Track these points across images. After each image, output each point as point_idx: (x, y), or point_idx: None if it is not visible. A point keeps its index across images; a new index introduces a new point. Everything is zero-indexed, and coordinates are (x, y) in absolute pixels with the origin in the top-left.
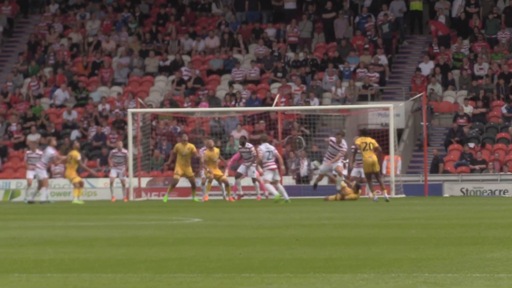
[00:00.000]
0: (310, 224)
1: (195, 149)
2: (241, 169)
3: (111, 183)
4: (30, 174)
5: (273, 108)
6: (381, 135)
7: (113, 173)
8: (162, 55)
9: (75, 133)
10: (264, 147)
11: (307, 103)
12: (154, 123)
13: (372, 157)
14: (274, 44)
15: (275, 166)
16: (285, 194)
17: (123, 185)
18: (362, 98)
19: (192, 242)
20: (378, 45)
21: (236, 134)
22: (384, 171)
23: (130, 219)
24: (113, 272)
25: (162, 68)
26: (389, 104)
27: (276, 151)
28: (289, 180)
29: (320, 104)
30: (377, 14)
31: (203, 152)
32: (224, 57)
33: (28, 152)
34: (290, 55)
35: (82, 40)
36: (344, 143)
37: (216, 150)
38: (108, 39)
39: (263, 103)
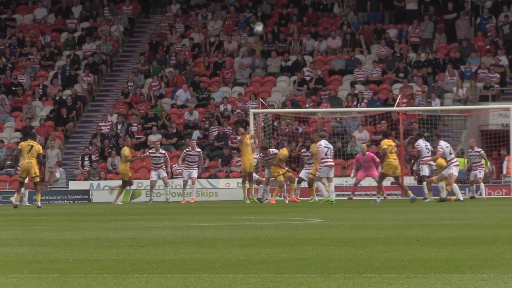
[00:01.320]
0: (431, 224)
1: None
2: (302, 174)
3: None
4: (153, 175)
5: (394, 108)
6: (502, 136)
7: (185, 175)
8: (284, 56)
9: (196, 133)
10: (323, 143)
11: (429, 104)
12: (276, 123)
13: (396, 159)
14: (396, 45)
15: (332, 163)
16: (333, 195)
17: (193, 183)
18: (483, 99)
19: (313, 243)
20: (499, 46)
21: (358, 135)
22: (504, 171)
23: (251, 219)
24: (234, 272)
25: (284, 68)
26: (510, 105)
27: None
28: (410, 181)
29: (441, 104)
30: (498, 15)
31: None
32: (346, 57)
33: (151, 151)
34: (412, 55)
35: (203, 40)
36: (441, 143)
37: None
38: (230, 39)
39: (385, 103)
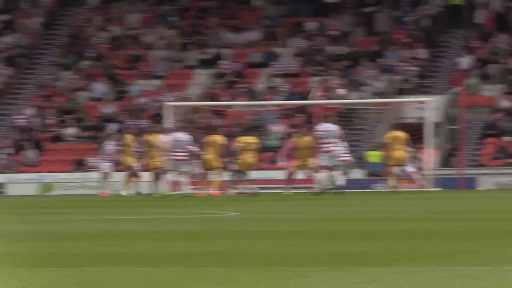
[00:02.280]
0: (345, 218)
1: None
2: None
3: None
4: (105, 167)
5: (312, 102)
6: (418, 129)
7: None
8: (202, 49)
9: (113, 126)
10: (322, 127)
11: (347, 97)
12: (192, 116)
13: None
14: (315, 38)
15: (332, 148)
16: (334, 181)
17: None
18: (401, 92)
19: (228, 236)
20: (418, 39)
21: (274, 128)
22: (420, 165)
23: (166, 213)
24: (149, 266)
25: (202, 61)
26: (428, 98)
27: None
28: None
29: (359, 98)
30: (417, 8)
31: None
32: (265, 50)
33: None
34: (331, 48)
35: (122, 33)
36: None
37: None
38: (149, 33)
39: (303, 96)
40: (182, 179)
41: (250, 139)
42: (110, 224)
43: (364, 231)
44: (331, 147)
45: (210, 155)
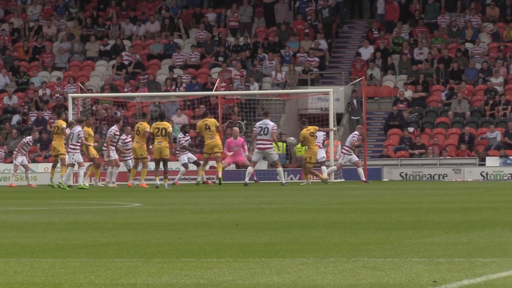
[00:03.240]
0: (250, 209)
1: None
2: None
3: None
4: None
5: (213, 92)
6: (320, 120)
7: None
8: (103, 40)
9: (16, 118)
10: (258, 123)
11: (247, 88)
12: (94, 107)
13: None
14: (215, 29)
15: (264, 146)
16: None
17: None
18: (302, 83)
19: (132, 227)
20: (318, 29)
21: (176, 119)
22: (324, 156)
23: (69, 203)
24: (53, 257)
25: (103, 52)
26: (329, 89)
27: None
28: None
29: (260, 88)
30: None
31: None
32: (165, 41)
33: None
34: (231, 39)
35: (23, 25)
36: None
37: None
38: (49, 24)
39: (204, 87)
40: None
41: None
42: (14, 215)
43: (268, 222)
44: (261, 144)
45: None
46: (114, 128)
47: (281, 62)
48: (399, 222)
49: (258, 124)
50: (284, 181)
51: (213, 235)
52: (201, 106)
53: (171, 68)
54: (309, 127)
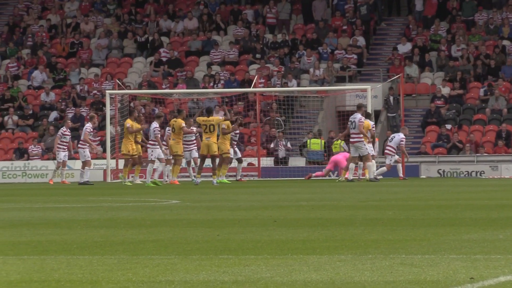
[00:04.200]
0: (288, 206)
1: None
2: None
3: (64, 166)
4: (63, 156)
5: (251, 89)
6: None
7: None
8: (141, 36)
9: (53, 115)
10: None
11: (285, 85)
12: (132, 104)
13: (209, 138)
14: (253, 26)
15: (353, 140)
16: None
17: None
18: (340, 80)
19: (170, 224)
20: (356, 26)
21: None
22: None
23: (108, 200)
24: (90, 254)
25: (141, 49)
26: (367, 86)
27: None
28: (267, 162)
29: (298, 85)
30: None
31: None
32: (203, 38)
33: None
34: (269, 36)
35: (60, 21)
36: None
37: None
38: (87, 21)
39: (242, 84)
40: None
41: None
42: (51, 212)
43: (306, 219)
44: (351, 138)
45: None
46: (155, 125)
47: (319, 59)
48: (437, 219)
49: (350, 118)
50: (372, 177)
51: (251, 232)
52: (239, 103)
53: (209, 65)
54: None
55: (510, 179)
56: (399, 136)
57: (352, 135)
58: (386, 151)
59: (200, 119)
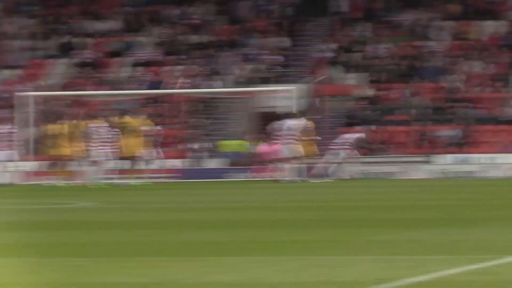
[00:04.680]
0: (202, 208)
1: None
2: None
3: None
4: None
5: (175, 91)
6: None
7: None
8: (63, 37)
9: None
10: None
11: (210, 86)
12: (53, 106)
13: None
14: (177, 26)
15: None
16: None
17: None
18: (265, 81)
19: (79, 226)
20: (281, 27)
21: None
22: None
23: (22, 203)
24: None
25: (63, 50)
26: (292, 87)
27: None
28: (189, 163)
29: (223, 87)
30: None
31: None
32: (127, 39)
33: None
34: (193, 37)
35: None
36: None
37: None
38: (9, 21)
39: (166, 86)
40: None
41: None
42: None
43: (218, 220)
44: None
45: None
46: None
47: (244, 60)
48: (351, 220)
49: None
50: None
51: (161, 234)
52: (164, 104)
53: (132, 66)
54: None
55: (421, 179)
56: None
57: (284, 136)
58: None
59: (118, 120)
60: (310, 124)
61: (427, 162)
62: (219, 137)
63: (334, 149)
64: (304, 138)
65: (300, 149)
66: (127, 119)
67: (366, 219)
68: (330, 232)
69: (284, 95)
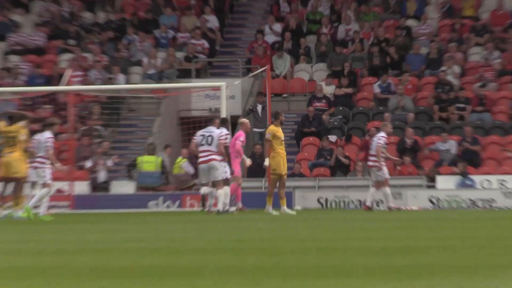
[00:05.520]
0: (110, 248)
1: None
2: None
3: None
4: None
5: (62, 87)
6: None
7: None
8: None
9: None
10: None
11: (110, 81)
12: None
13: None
14: (65, 2)
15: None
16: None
17: None
18: (184, 75)
19: None
20: (207, 2)
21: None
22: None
23: None
24: None
25: None
26: (221, 83)
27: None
28: (82, 187)
29: (128, 82)
30: None
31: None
32: None
33: None
34: (87, 15)
35: None
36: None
37: None
38: None
39: (50, 80)
40: None
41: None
42: None
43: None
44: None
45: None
46: (48, 135)
47: (155, 46)
48: (317, 266)
49: (200, 132)
50: (224, 208)
51: (59, 285)
52: (46, 106)
53: (6, 54)
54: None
55: (418, 211)
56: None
57: (206, 152)
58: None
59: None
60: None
61: (417, 186)
62: (124, 152)
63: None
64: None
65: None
66: (12, 126)
67: (339, 265)
68: (289, 283)
69: (211, 93)
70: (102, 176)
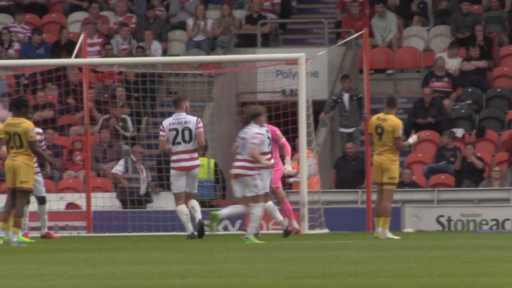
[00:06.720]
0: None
1: None
2: None
3: None
4: None
5: (73, 60)
6: (281, 113)
7: None
8: None
9: None
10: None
11: (141, 52)
12: None
13: None
14: None
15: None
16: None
17: None
18: (247, 43)
19: None
20: None
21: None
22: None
23: None
24: None
25: None
26: (299, 54)
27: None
28: (108, 201)
29: (165, 53)
30: None
31: None
32: None
33: None
34: None
35: None
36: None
37: None
38: None
39: (54, 49)
40: None
41: None
42: None
43: None
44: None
45: None
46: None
47: (204, 1)
48: None
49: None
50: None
51: None
52: (52, 85)
53: None
54: None
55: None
56: None
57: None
58: None
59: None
60: None
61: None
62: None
63: None
64: None
65: None
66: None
67: None
68: None
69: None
70: (141, 187)
